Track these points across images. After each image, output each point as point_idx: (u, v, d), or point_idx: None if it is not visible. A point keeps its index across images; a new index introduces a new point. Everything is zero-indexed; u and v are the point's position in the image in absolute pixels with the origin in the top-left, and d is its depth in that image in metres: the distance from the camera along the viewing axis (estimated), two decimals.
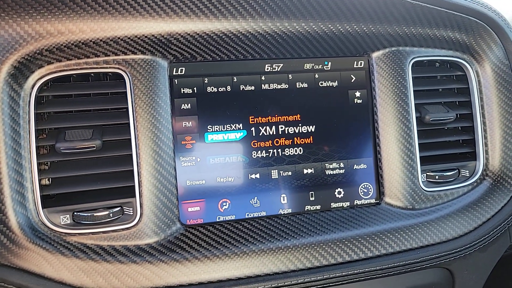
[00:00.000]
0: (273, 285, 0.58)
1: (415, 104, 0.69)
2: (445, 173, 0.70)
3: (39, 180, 0.55)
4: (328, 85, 0.67)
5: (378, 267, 0.62)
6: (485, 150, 0.72)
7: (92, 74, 0.59)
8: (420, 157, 0.68)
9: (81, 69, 0.56)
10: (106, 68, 0.57)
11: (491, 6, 0.69)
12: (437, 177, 0.70)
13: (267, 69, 0.65)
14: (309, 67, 0.66)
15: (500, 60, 0.70)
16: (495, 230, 0.69)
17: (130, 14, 0.54)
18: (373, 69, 0.68)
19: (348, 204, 0.67)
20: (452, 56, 0.72)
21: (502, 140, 0.71)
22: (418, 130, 0.68)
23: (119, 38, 0.55)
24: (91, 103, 0.58)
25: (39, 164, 0.55)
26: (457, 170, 0.71)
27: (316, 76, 0.67)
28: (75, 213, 0.56)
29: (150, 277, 0.54)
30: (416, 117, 0.69)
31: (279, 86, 0.65)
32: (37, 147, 0.55)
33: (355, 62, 0.68)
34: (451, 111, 0.71)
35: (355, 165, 0.68)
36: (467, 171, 0.72)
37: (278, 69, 0.65)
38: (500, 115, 0.71)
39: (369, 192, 0.68)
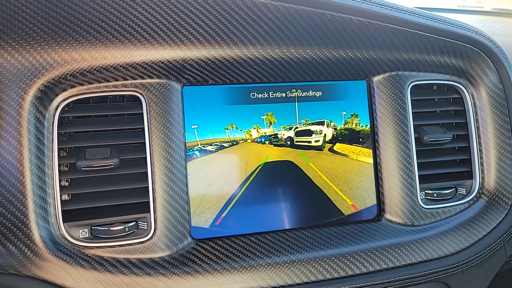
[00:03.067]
0: None
1: (414, 125, 0.72)
2: (443, 191, 0.74)
3: (60, 196, 0.58)
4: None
5: (379, 281, 0.65)
6: (481, 169, 0.75)
7: (110, 97, 0.62)
8: (419, 176, 0.72)
9: (101, 92, 0.60)
10: (124, 91, 0.61)
11: (485, 34, 0.73)
12: (435, 194, 0.73)
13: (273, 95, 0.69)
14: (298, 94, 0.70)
15: (494, 84, 0.74)
16: (491, 246, 0.72)
17: (148, 42, 0.58)
18: (374, 92, 0.72)
19: (350, 220, 0.70)
20: (449, 80, 0.76)
21: (497, 160, 0.74)
22: (417, 150, 0.72)
23: (137, 63, 0.59)
24: (109, 123, 0.61)
25: (60, 180, 0.58)
26: (454, 188, 0.75)
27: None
28: (93, 227, 0.59)
29: None
30: (415, 138, 0.72)
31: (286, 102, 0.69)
32: (59, 165, 0.58)
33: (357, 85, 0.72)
34: (448, 132, 0.75)
35: None
36: (464, 189, 0.75)
37: (285, 95, 0.69)
38: (495, 136, 0.74)
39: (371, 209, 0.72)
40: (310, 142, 0.69)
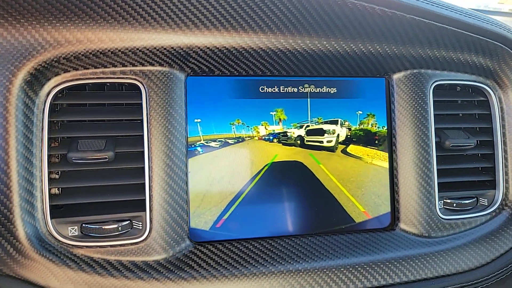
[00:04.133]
0: None
1: (435, 128, 0.67)
2: (463, 201, 0.68)
3: (49, 190, 0.53)
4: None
5: None
6: (505, 179, 0.69)
7: (107, 84, 0.58)
8: (438, 183, 0.66)
9: (97, 78, 0.55)
10: (123, 78, 0.56)
11: None
12: (454, 204, 0.68)
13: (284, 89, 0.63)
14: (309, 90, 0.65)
15: None
16: None
17: (150, 25, 0.53)
18: (393, 91, 0.66)
19: (362, 228, 0.65)
20: (475, 81, 0.70)
21: None
22: (437, 156, 0.66)
23: (137, 49, 0.54)
24: (106, 113, 0.57)
25: (49, 173, 0.54)
26: (475, 198, 0.69)
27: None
28: (83, 225, 0.55)
29: None
30: (436, 142, 0.67)
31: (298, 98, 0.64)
32: (49, 156, 0.54)
33: (375, 82, 0.67)
34: (471, 137, 0.69)
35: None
36: (486, 199, 0.70)
37: (296, 90, 0.64)
38: None
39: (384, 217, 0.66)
40: (322, 142, 0.64)
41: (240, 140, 0.61)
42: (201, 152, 0.60)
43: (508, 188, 0.69)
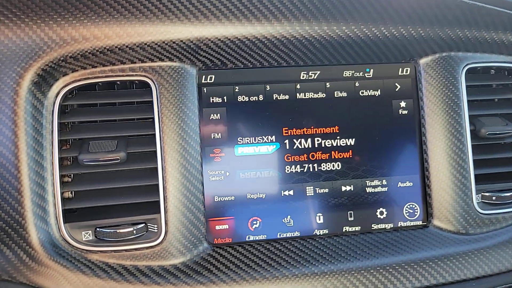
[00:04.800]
0: None
1: (469, 116, 0.61)
2: (503, 194, 0.62)
3: (61, 193, 0.52)
4: (370, 94, 0.61)
5: None
6: None
7: (118, 82, 0.56)
8: (475, 175, 0.61)
9: (106, 76, 0.53)
10: (132, 76, 0.54)
11: None
12: (494, 198, 0.62)
13: (303, 77, 0.59)
14: (349, 74, 0.60)
15: None
16: None
17: (157, 19, 0.50)
18: (421, 77, 0.61)
19: (392, 226, 0.61)
20: (511, 63, 0.64)
21: None
22: (472, 145, 0.61)
23: (145, 44, 0.52)
24: (116, 112, 0.55)
25: (61, 176, 0.52)
26: None
27: (357, 84, 0.61)
28: (98, 229, 0.53)
29: None
30: (470, 130, 0.61)
31: (315, 96, 0.60)
32: (60, 159, 0.52)
33: (401, 69, 0.62)
34: (510, 124, 0.63)
35: (399, 182, 0.61)
36: None
37: (315, 77, 0.60)
38: None
39: (415, 213, 0.61)
40: None
41: None
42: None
43: None
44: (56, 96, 0.52)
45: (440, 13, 0.57)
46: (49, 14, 0.48)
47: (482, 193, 0.62)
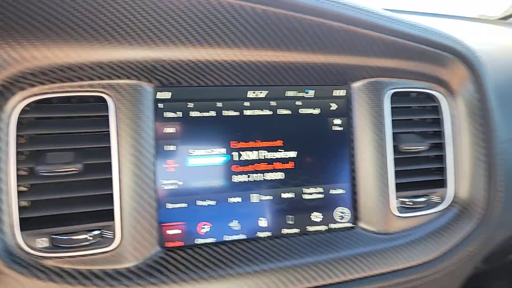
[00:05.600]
0: None
1: (392, 133, 0.71)
2: (417, 199, 0.74)
3: (18, 203, 0.54)
4: (309, 112, 0.69)
5: None
6: (455, 178, 0.75)
7: (75, 97, 0.58)
8: (396, 184, 0.71)
9: (64, 92, 0.56)
10: (90, 91, 0.57)
11: (465, 43, 0.73)
12: (410, 203, 0.73)
13: (250, 95, 0.66)
14: (291, 94, 0.68)
15: (471, 94, 0.74)
16: (461, 255, 0.72)
17: (116, 41, 0.54)
18: (353, 99, 0.71)
19: (325, 228, 0.69)
20: (428, 88, 0.75)
21: (471, 170, 0.74)
22: (394, 158, 0.71)
23: (104, 63, 0.55)
24: (73, 126, 0.57)
25: (18, 186, 0.54)
26: (428, 196, 0.75)
27: (298, 103, 0.68)
28: (53, 236, 0.55)
29: None
30: (394, 146, 0.71)
31: (261, 112, 0.67)
32: (17, 169, 0.54)
33: (336, 91, 0.70)
34: (424, 140, 0.74)
35: (332, 190, 0.70)
36: (438, 197, 0.76)
37: (261, 96, 0.66)
38: (470, 146, 0.74)
39: (345, 217, 0.71)
40: None
41: None
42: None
43: (457, 186, 0.75)
44: (13, 109, 0.54)
45: (368, 46, 0.66)
46: (10, 33, 0.50)
47: (401, 199, 0.73)
